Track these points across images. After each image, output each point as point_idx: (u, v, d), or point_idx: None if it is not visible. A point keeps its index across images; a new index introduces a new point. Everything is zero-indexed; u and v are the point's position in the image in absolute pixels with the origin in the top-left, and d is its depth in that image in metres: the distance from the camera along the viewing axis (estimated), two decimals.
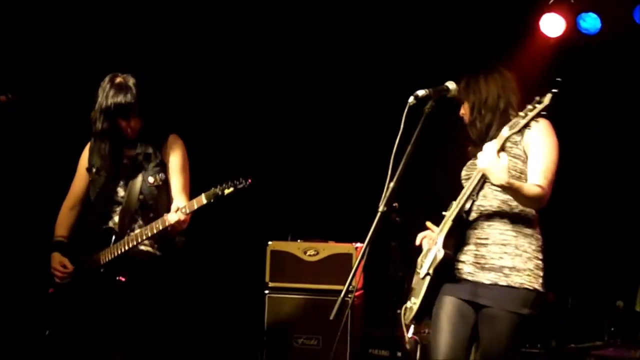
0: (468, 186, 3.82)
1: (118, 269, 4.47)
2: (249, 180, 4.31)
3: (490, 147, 3.59)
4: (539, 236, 3.87)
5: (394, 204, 3.55)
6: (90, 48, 6.12)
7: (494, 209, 3.83)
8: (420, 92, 3.71)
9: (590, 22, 6.57)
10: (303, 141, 7.09)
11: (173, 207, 4.45)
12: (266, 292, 6.19)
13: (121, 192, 4.60)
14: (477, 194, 3.84)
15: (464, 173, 4.05)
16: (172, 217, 4.34)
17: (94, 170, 4.65)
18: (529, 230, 3.83)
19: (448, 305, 3.87)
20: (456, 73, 3.97)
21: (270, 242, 6.25)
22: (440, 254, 3.78)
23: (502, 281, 3.75)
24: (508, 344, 3.78)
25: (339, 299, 3.46)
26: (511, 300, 3.74)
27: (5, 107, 4.69)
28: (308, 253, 6.20)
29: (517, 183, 3.64)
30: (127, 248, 4.45)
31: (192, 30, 6.64)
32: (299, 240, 6.28)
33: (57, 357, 4.51)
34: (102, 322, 4.43)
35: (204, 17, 6.67)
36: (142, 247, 4.53)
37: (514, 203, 3.78)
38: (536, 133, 3.77)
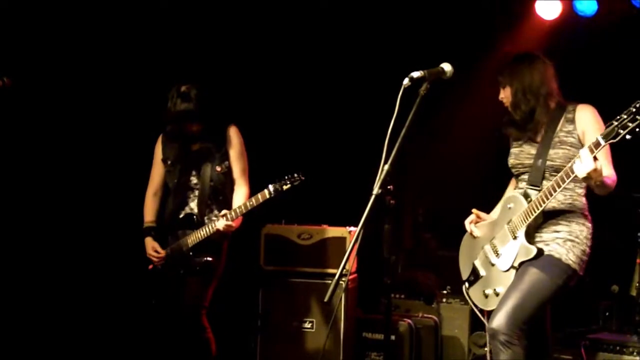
0: (545, 190, 3.98)
1: (203, 250, 5.21)
2: (302, 177, 5.04)
3: (587, 156, 3.69)
4: (590, 224, 4.20)
5: (388, 187, 3.54)
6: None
7: (554, 203, 4.09)
8: (416, 74, 3.70)
9: (587, 4, 6.53)
10: (297, 126, 7.05)
11: (234, 202, 5.25)
12: (260, 275, 6.19)
13: (194, 179, 5.33)
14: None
15: (514, 162, 4.31)
16: (220, 224, 5.07)
17: (168, 162, 5.39)
18: (581, 219, 4.15)
19: None
20: (452, 56, 3.93)
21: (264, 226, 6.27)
22: (533, 251, 4.07)
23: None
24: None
25: (333, 282, 3.46)
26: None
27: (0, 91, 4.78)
28: (302, 237, 6.19)
29: (605, 180, 3.87)
30: (209, 233, 5.16)
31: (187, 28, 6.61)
32: (293, 225, 6.27)
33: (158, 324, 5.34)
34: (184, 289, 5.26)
35: (200, 16, 6.64)
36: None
37: (568, 194, 4.13)
38: (588, 121, 4.13)
